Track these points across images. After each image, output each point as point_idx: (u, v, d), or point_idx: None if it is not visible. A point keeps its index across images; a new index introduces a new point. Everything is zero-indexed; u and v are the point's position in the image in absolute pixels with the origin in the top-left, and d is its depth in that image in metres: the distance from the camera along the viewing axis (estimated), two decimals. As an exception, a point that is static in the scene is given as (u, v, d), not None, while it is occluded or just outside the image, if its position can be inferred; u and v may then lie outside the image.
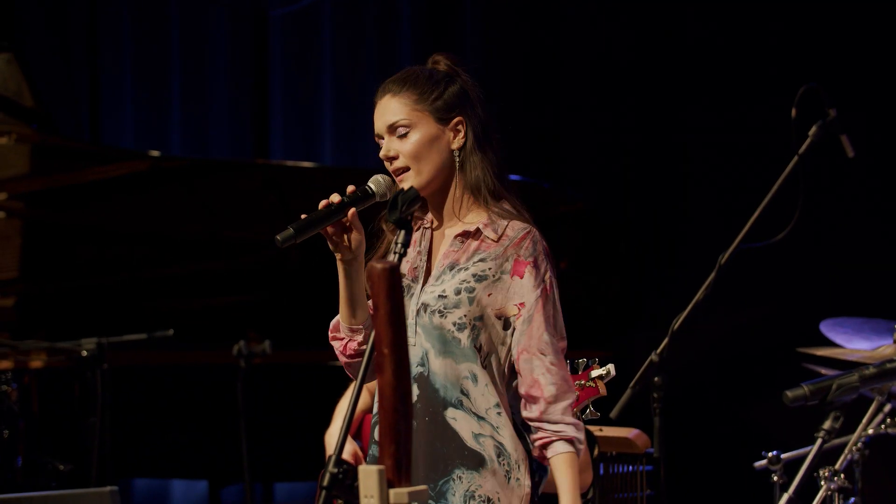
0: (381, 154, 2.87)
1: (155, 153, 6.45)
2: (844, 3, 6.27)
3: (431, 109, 2.86)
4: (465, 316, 2.80)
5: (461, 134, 2.88)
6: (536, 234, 2.85)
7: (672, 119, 6.84)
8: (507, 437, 2.80)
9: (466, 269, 2.83)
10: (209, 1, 8.13)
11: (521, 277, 2.81)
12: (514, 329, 2.81)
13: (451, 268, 2.85)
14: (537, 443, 2.81)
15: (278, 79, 8.15)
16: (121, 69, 8.11)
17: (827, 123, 3.91)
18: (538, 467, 2.84)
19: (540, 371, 2.79)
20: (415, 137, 2.84)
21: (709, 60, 6.70)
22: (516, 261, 2.81)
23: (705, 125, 6.73)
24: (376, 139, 2.90)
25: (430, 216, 2.94)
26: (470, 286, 2.81)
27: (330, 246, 2.82)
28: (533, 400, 2.80)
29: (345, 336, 2.91)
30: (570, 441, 2.78)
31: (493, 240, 2.84)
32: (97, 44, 8.07)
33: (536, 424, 2.80)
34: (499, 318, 2.81)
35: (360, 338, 2.89)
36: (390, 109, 2.86)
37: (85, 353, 5.32)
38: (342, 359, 2.94)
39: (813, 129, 3.92)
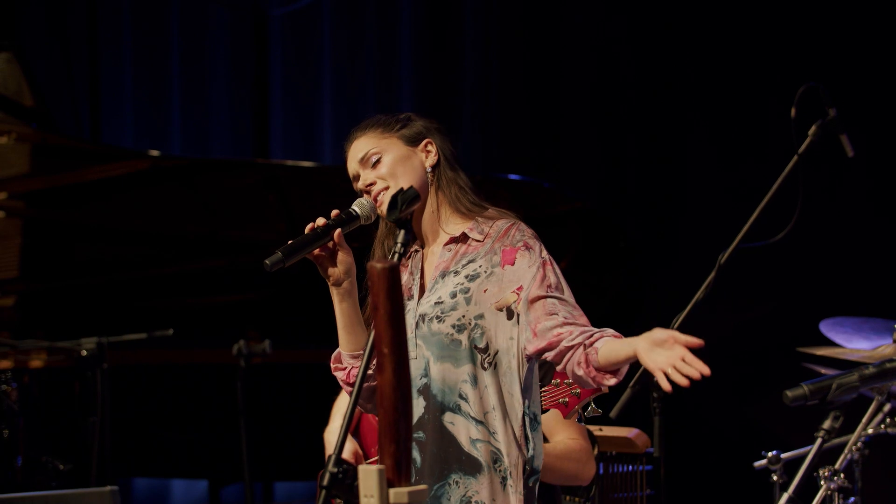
0: (360, 186, 2.90)
1: (155, 152, 6.45)
2: (844, 3, 6.28)
3: (399, 136, 2.91)
4: (463, 317, 2.79)
5: (433, 153, 2.92)
6: (522, 225, 2.87)
7: (672, 118, 6.84)
8: (504, 442, 2.78)
9: (458, 272, 2.84)
10: (209, 0, 8.13)
11: (513, 264, 2.81)
12: (517, 316, 2.79)
13: (443, 276, 2.86)
14: (587, 344, 2.69)
15: (278, 78, 8.15)
16: (121, 68, 8.11)
17: (827, 123, 3.91)
18: (531, 472, 2.83)
19: (557, 326, 2.74)
20: (387, 159, 2.88)
21: (709, 60, 6.70)
22: (504, 251, 2.82)
23: (705, 124, 6.73)
24: (353, 185, 2.92)
25: (416, 245, 2.96)
26: (465, 287, 2.81)
27: (320, 272, 2.84)
28: (560, 340, 2.74)
29: (347, 365, 2.92)
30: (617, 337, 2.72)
31: (478, 241, 2.86)
32: (97, 43, 8.08)
33: (579, 339, 2.71)
34: (500, 310, 2.80)
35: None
36: (359, 147, 2.92)
37: (85, 352, 5.32)
38: (346, 388, 2.95)
39: (813, 129, 3.92)
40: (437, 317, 2.81)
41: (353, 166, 2.91)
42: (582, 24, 7.12)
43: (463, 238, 2.87)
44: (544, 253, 2.82)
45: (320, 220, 2.80)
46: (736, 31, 6.62)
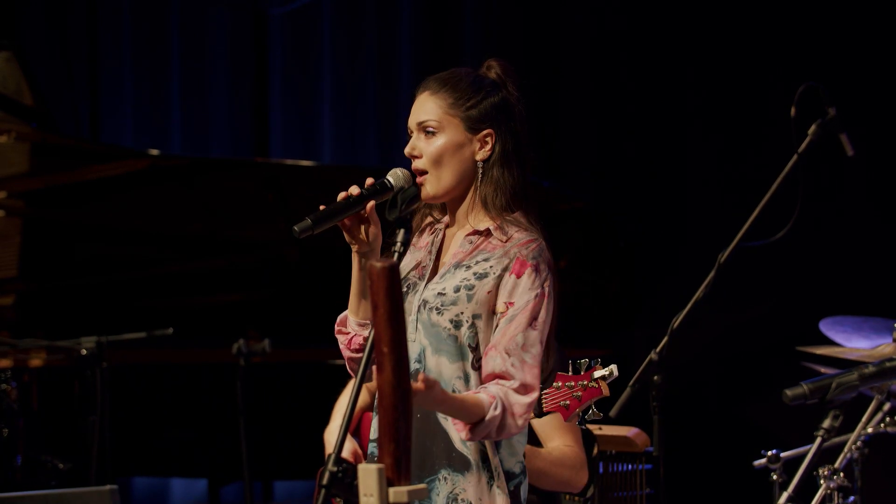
0: (406, 150, 2.88)
1: (154, 152, 6.45)
2: (844, 3, 6.27)
3: (464, 117, 2.86)
4: (461, 313, 2.78)
5: (488, 146, 2.86)
6: (543, 244, 2.82)
7: (672, 118, 6.84)
8: (490, 442, 2.78)
9: (469, 267, 2.82)
10: (209, 0, 8.13)
11: (519, 277, 2.78)
12: (497, 326, 2.78)
13: (457, 267, 2.84)
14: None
15: (278, 77, 8.15)
16: (121, 67, 8.11)
17: (826, 122, 3.91)
18: (513, 475, 2.82)
19: (496, 370, 2.75)
20: (440, 141, 2.84)
21: (708, 59, 6.70)
22: (518, 259, 2.78)
23: (705, 124, 6.73)
24: (408, 132, 2.91)
25: (446, 218, 2.94)
26: (470, 283, 2.80)
27: (346, 238, 2.82)
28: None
29: (351, 331, 2.90)
30: (511, 400, 2.72)
31: (500, 241, 2.83)
32: (97, 42, 8.08)
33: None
34: (495, 314, 2.79)
35: (365, 333, 2.88)
36: (424, 108, 2.87)
37: (84, 351, 5.32)
38: (346, 353, 2.93)
39: (812, 128, 3.92)
40: (437, 308, 2.80)
41: (412, 120, 2.88)
42: (582, 23, 7.12)
43: (486, 233, 2.84)
44: (547, 284, 2.79)
45: (354, 189, 2.78)
46: (736, 31, 6.62)
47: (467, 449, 2.77)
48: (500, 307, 2.78)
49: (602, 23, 7.06)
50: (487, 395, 2.71)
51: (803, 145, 3.89)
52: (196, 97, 8.14)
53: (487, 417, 2.68)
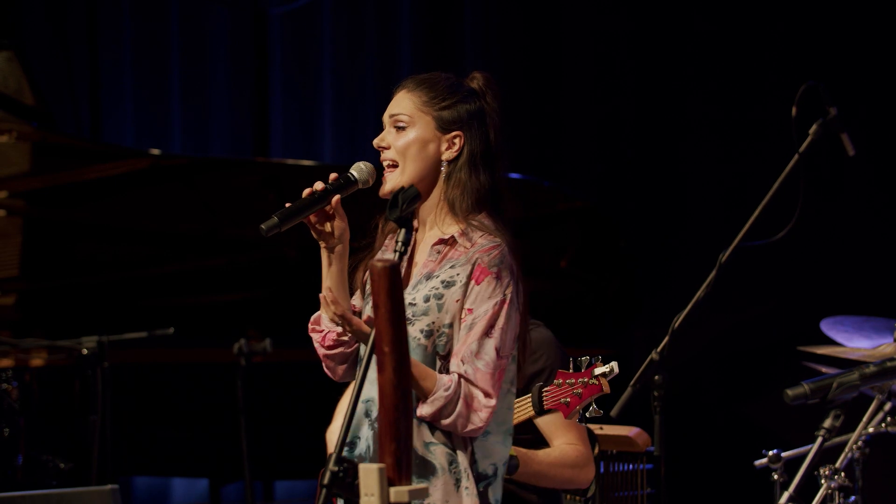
0: (375, 141, 2.91)
1: (155, 151, 6.45)
2: (844, 3, 6.28)
3: (436, 115, 2.88)
4: (432, 323, 2.78)
5: (455, 148, 2.87)
6: (506, 250, 2.81)
7: (672, 117, 6.84)
8: (459, 444, 2.78)
9: (437, 276, 2.82)
10: (209, 0, 8.13)
11: (479, 284, 2.78)
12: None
13: (428, 277, 2.84)
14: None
15: (278, 77, 8.16)
16: (121, 67, 8.11)
17: (827, 122, 3.92)
18: (484, 476, 2.82)
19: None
20: (409, 135, 2.87)
21: (709, 59, 6.70)
22: (479, 266, 2.78)
23: (706, 123, 6.73)
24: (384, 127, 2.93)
25: (415, 222, 2.94)
26: (438, 293, 2.79)
27: (313, 234, 2.84)
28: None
29: (324, 328, 2.91)
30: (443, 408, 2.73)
31: (464, 248, 2.82)
32: (97, 41, 8.08)
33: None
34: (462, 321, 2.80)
35: (339, 329, 2.88)
36: (399, 103, 2.91)
37: (85, 351, 5.32)
38: (321, 351, 2.93)
39: (813, 128, 3.92)
40: (408, 319, 2.78)
41: (385, 114, 2.93)
42: (582, 23, 7.12)
43: (451, 241, 2.84)
44: (510, 291, 2.79)
45: (318, 185, 2.81)
46: (736, 30, 6.62)
47: (431, 454, 2.76)
48: (463, 314, 2.78)
49: (603, 23, 7.06)
50: (447, 376, 2.73)
51: (804, 145, 3.89)
52: (196, 97, 8.14)
53: (437, 394, 2.70)
